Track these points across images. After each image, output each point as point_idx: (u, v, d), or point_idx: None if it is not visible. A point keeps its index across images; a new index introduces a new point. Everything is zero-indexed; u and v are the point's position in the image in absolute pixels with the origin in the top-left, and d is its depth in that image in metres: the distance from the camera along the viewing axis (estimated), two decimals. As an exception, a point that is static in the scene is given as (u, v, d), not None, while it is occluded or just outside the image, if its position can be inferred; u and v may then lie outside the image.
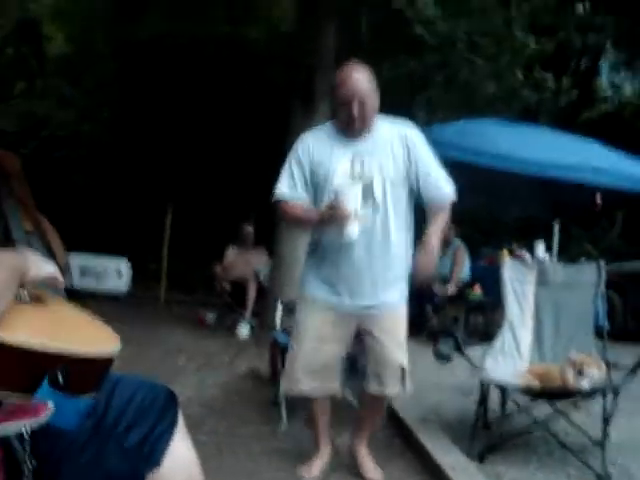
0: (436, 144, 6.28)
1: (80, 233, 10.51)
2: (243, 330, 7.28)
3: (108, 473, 1.50)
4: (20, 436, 1.31)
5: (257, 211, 10.27)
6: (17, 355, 1.25)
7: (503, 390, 3.80)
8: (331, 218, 2.90)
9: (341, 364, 3.22)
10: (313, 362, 3.08)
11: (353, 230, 2.89)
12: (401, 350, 3.13)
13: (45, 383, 1.26)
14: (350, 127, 3.05)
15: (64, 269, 7.24)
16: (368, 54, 7.35)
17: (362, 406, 3.40)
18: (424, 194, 3.11)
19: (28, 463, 1.32)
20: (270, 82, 10.42)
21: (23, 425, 1.22)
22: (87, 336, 1.49)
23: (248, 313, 7.43)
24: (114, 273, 9.28)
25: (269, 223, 7.19)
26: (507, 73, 8.53)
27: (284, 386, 3.20)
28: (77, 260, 8.92)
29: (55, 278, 1.56)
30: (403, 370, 3.12)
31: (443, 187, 3.14)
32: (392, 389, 3.14)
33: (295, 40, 7.93)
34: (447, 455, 3.41)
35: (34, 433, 1.32)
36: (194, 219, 10.91)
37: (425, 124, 9.00)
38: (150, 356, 5.59)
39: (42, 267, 1.53)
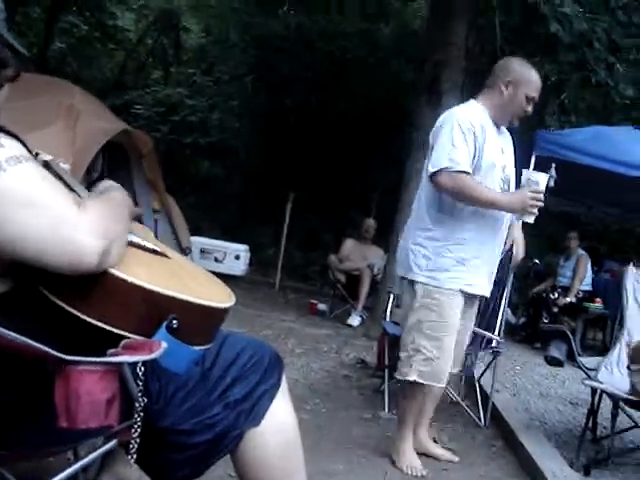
0: (568, 149, 6.12)
1: (204, 216, 10.94)
2: (353, 321, 7.33)
3: (209, 423, 1.56)
4: (134, 374, 1.40)
5: (377, 205, 10.36)
6: (139, 297, 1.32)
7: (615, 402, 3.65)
8: (530, 201, 2.95)
9: None
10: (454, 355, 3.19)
11: (533, 216, 3.02)
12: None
13: (162, 327, 1.33)
14: (516, 122, 3.18)
15: (187, 250, 7.56)
16: (500, 53, 7.25)
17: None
18: None
19: (140, 399, 1.41)
20: (397, 76, 10.44)
21: (137, 359, 1.30)
22: (203, 288, 1.56)
23: (360, 305, 7.47)
24: (233, 257, 9.56)
25: (387, 217, 7.22)
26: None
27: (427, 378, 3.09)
28: (198, 242, 9.27)
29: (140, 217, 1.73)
30: None
31: None
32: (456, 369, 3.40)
33: (425, 37, 7.90)
34: (549, 461, 3.33)
35: (147, 373, 1.41)
36: (314, 209, 11.08)
37: (557, 129, 8.75)
38: (260, 336, 5.74)
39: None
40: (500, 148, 3.14)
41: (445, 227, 3.08)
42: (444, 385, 3.16)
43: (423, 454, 3.32)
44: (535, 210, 2.99)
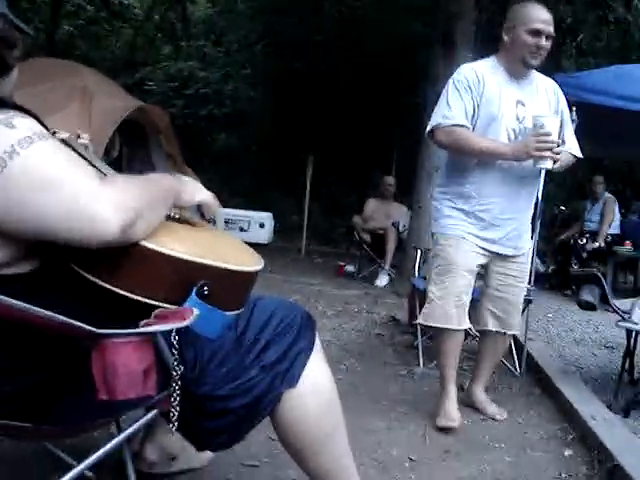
0: (586, 91, 6.00)
1: (224, 188, 10.96)
2: (382, 280, 7.33)
3: (246, 387, 1.57)
4: (169, 344, 1.41)
5: (397, 162, 10.30)
6: (168, 265, 1.33)
7: (652, 342, 3.63)
8: (536, 145, 2.87)
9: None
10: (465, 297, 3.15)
11: (550, 161, 2.91)
12: (522, 292, 3.31)
13: (193, 294, 1.34)
14: (531, 59, 3.02)
15: (210, 221, 7.59)
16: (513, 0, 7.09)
17: (484, 347, 3.41)
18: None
19: (176, 368, 1.42)
20: (409, 32, 10.28)
21: (170, 327, 1.31)
22: (231, 253, 1.56)
23: (387, 264, 7.47)
24: (257, 225, 9.59)
25: (409, 174, 7.17)
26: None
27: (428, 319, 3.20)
28: (222, 213, 9.29)
29: (208, 204, 1.66)
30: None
31: (576, 150, 3.23)
32: (515, 328, 3.32)
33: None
34: (588, 405, 3.31)
35: (181, 341, 1.42)
36: (334, 172, 11.03)
37: (574, 72, 8.59)
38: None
39: (196, 193, 1.63)
40: (515, 100, 3.05)
41: (450, 179, 3.19)
42: (453, 326, 3.12)
43: (471, 406, 3.37)
44: (546, 154, 2.87)
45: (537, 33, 2.98)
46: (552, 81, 3.25)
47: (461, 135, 3.01)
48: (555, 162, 2.93)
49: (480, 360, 3.43)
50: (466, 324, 3.18)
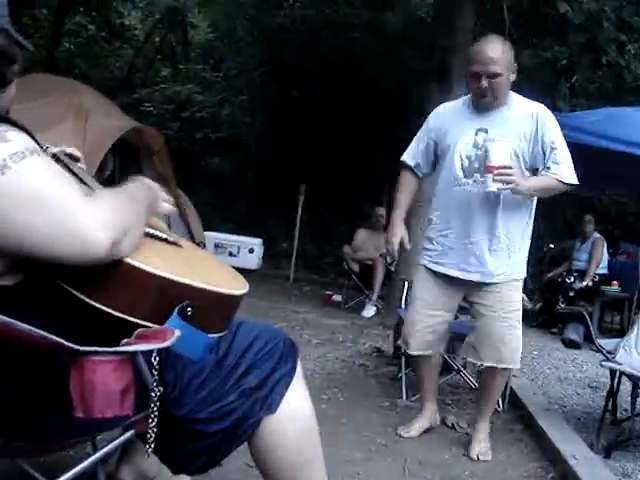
0: (580, 131, 6.04)
1: (216, 212, 10.95)
2: (369, 311, 7.32)
3: (225, 411, 1.56)
4: (149, 363, 1.40)
5: (389, 195, 10.32)
6: (153, 284, 1.33)
7: (635, 383, 3.62)
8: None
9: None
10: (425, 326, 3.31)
11: (494, 184, 2.93)
12: (498, 322, 3.19)
13: (175, 314, 1.34)
14: (480, 100, 3.12)
15: (200, 245, 7.57)
16: (509, 38, 7.18)
17: (480, 380, 3.57)
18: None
19: (155, 389, 1.41)
20: (406, 65, 10.39)
21: (151, 347, 1.30)
22: (217, 276, 1.56)
23: (374, 295, 7.45)
24: (246, 250, 9.58)
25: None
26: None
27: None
28: (212, 237, 9.29)
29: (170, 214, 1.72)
30: (507, 344, 3.20)
31: (565, 177, 3.08)
32: (490, 360, 3.21)
33: (433, 24, 7.85)
34: (569, 444, 3.30)
35: (161, 362, 1.41)
36: (326, 201, 11.04)
37: (567, 112, 8.67)
38: (276, 328, 5.74)
39: (163, 205, 1.66)
40: (475, 129, 3.12)
41: (428, 210, 3.41)
42: (411, 351, 3.35)
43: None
44: (484, 177, 2.96)
45: (476, 76, 3.04)
46: (537, 106, 3.18)
47: (400, 179, 3.42)
48: (509, 183, 2.92)
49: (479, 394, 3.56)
50: (422, 351, 3.33)
